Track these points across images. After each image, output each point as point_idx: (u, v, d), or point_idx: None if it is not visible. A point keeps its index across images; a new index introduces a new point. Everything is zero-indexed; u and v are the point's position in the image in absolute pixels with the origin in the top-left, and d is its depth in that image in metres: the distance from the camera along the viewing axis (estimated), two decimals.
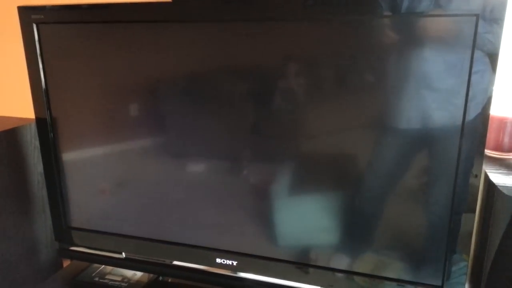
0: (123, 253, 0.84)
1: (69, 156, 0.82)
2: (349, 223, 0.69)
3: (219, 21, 0.66)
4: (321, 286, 0.72)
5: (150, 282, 0.87)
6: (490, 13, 0.54)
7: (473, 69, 0.56)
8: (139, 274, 0.89)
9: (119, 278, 0.88)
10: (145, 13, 0.69)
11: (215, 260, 0.76)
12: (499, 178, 0.66)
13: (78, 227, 0.85)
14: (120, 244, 0.83)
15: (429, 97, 0.60)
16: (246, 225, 0.75)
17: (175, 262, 0.82)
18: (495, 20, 0.54)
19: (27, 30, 0.76)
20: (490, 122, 0.58)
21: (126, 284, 0.86)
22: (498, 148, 0.76)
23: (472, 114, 0.58)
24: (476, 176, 0.60)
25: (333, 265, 0.70)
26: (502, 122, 0.75)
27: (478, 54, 0.55)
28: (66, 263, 1.04)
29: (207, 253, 0.77)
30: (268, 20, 0.64)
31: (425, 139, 0.62)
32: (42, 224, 0.97)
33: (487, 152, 0.77)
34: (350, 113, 0.64)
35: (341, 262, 0.70)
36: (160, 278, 0.89)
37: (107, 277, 0.88)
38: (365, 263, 0.68)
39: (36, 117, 0.81)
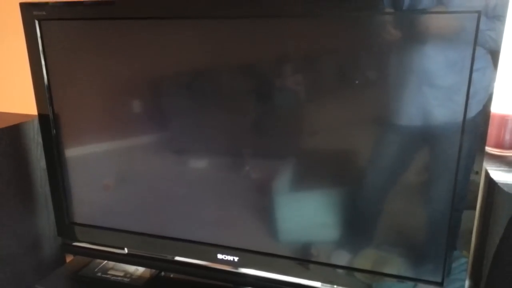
0: (126, 249, 0.84)
1: (71, 152, 0.82)
2: (350, 219, 0.69)
3: (223, 17, 0.66)
4: (322, 282, 0.72)
5: (152, 278, 0.88)
6: (492, 10, 0.54)
7: (475, 66, 0.56)
8: (141, 269, 0.89)
9: (121, 274, 0.88)
10: (147, 9, 0.69)
11: (217, 256, 0.77)
12: (499, 175, 0.66)
13: (80, 222, 0.86)
14: (123, 240, 0.83)
15: (430, 94, 0.60)
16: (248, 221, 0.75)
17: (177, 258, 0.82)
18: (497, 17, 0.54)
19: (29, 26, 0.76)
20: (491, 119, 0.58)
21: (128, 280, 0.86)
22: (499, 145, 0.76)
23: (473, 111, 0.58)
24: (476, 173, 0.60)
25: (334, 261, 0.70)
26: (503, 119, 0.75)
27: (479, 51, 0.55)
28: (68, 258, 1.04)
29: (209, 249, 0.77)
30: (270, 16, 0.64)
31: (426, 136, 0.62)
32: (45, 220, 0.98)
33: (488, 149, 0.77)
34: (352, 109, 0.64)
35: (342, 258, 0.70)
36: (162, 273, 0.90)
37: (109, 272, 0.89)
38: (366, 259, 0.69)
39: (38, 113, 0.81)
